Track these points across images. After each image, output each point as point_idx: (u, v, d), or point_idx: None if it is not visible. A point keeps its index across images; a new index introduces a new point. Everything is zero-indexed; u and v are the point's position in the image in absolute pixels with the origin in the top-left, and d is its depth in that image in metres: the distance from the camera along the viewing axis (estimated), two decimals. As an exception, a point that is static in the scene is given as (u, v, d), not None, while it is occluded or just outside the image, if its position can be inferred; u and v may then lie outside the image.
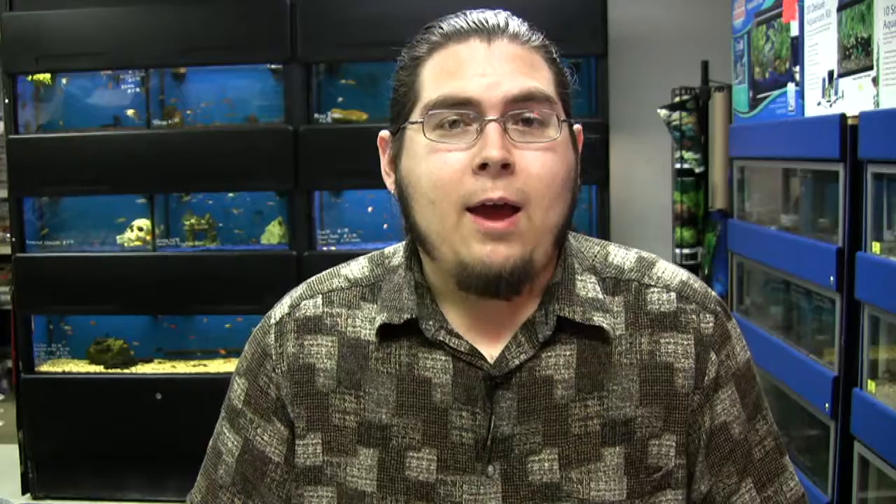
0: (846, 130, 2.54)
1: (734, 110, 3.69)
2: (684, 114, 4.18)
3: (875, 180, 2.44)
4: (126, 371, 4.64)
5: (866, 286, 2.47)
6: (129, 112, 4.70)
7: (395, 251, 1.46)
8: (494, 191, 1.24)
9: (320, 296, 1.45)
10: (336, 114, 4.50)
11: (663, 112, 4.24)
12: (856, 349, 2.55)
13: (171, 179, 4.59)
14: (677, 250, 4.27)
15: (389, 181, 1.40)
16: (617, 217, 4.67)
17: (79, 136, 4.63)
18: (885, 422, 2.33)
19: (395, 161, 1.37)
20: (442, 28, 1.34)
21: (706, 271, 4.17)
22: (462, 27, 1.33)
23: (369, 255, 1.50)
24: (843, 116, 2.55)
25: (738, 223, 3.61)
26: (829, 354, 2.74)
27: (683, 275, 1.44)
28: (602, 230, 4.45)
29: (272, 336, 1.44)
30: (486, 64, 1.29)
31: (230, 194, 4.78)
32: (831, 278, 2.62)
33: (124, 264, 4.61)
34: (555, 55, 1.37)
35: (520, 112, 1.28)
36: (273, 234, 4.66)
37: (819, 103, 2.80)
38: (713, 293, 1.44)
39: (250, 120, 4.69)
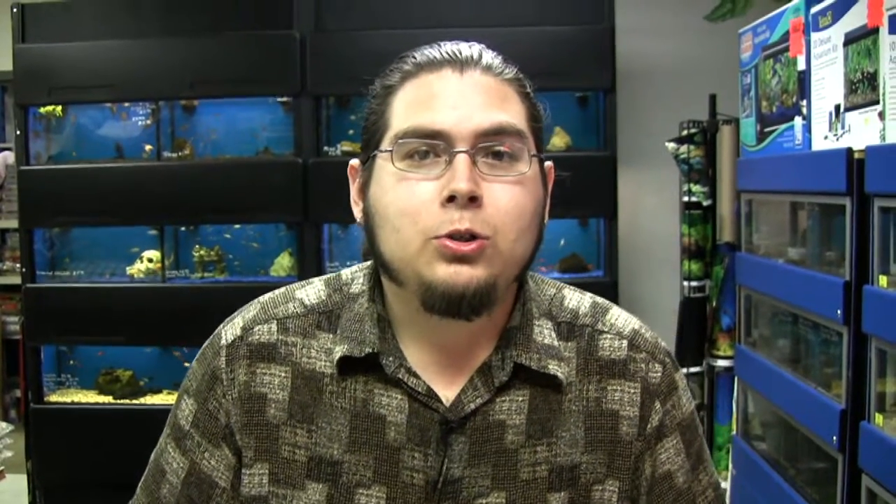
0: (853, 164, 2.54)
1: (742, 143, 3.70)
2: (692, 147, 4.19)
3: (882, 214, 2.45)
4: (135, 401, 4.65)
5: (873, 319, 2.47)
6: (147, 148, 4.72)
7: (354, 277, 1.45)
8: (462, 223, 1.24)
9: (275, 321, 1.42)
10: (345, 146, 4.52)
11: (671, 145, 4.25)
12: (863, 382, 2.54)
13: (180, 211, 4.60)
14: (685, 283, 4.27)
15: (357, 209, 1.40)
16: (624, 249, 4.67)
17: (89, 168, 4.65)
18: (893, 455, 2.33)
19: (363, 189, 1.36)
20: (415, 58, 1.34)
21: (714, 304, 4.17)
22: (435, 57, 1.33)
23: (325, 278, 1.48)
24: (849, 150, 2.56)
25: (746, 256, 3.61)
26: (836, 387, 2.74)
27: (636, 323, 1.45)
28: (610, 262, 4.46)
29: (223, 359, 1.42)
30: (457, 95, 1.29)
31: (236, 226, 4.80)
32: (838, 311, 2.62)
33: (134, 295, 4.63)
34: (528, 89, 1.37)
35: (490, 145, 1.27)
36: (282, 266, 4.68)
37: (826, 137, 2.81)
38: (663, 344, 1.46)
39: (264, 153, 4.70)
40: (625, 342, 1.42)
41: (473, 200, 1.24)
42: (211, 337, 1.48)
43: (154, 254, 4.73)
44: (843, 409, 2.61)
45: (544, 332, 1.39)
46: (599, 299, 1.48)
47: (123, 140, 4.82)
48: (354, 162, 1.42)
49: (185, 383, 1.48)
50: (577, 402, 1.38)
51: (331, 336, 1.40)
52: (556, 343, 1.39)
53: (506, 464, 1.35)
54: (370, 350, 1.35)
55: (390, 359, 1.35)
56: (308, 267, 4.51)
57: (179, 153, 4.68)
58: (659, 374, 1.41)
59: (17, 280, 4.95)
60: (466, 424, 1.34)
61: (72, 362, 4.93)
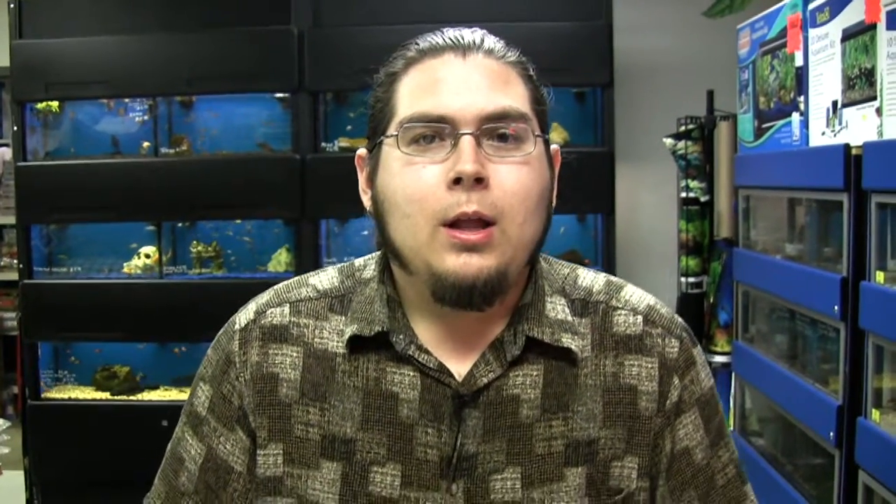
0: (850, 160, 2.55)
1: (739, 139, 3.71)
2: (689, 143, 4.20)
3: (879, 210, 2.45)
4: (132, 398, 4.65)
5: (870, 315, 2.47)
6: (145, 144, 4.72)
7: (366, 264, 1.46)
8: (469, 205, 1.24)
9: (287, 305, 1.44)
10: (343, 142, 4.52)
11: (669, 141, 4.25)
12: (860, 378, 2.55)
13: (178, 207, 4.59)
14: (683, 279, 4.27)
15: (366, 198, 1.40)
16: (622, 245, 4.67)
17: (86, 164, 4.64)
18: (890, 451, 2.33)
19: (371, 178, 1.37)
20: (418, 44, 1.36)
21: (711, 300, 4.18)
22: (438, 43, 1.34)
23: (339, 266, 1.49)
24: (846, 146, 2.56)
25: (744, 252, 3.61)
26: (833, 383, 2.74)
27: (651, 299, 1.45)
28: (607, 258, 4.46)
29: (236, 343, 1.43)
30: (461, 79, 1.30)
31: (237, 221, 4.80)
32: (835, 307, 2.63)
33: (131, 291, 4.62)
34: (531, 72, 1.37)
35: (495, 127, 1.28)
36: (279, 261, 4.68)
37: (823, 133, 2.81)
38: (679, 319, 1.46)
39: (264, 147, 4.70)
40: (640, 318, 1.41)
41: (479, 182, 1.25)
42: (226, 324, 1.48)
43: (151, 250, 4.73)
44: (840, 405, 2.62)
45: (557, 308, 1.39)
46: (614, 278, 1.48)
47: (121, 136, 4.82)
48: (362, 151, 1.42)
49: (200, 371, 1.49)
50: (593, 376, 1.37)
51: (343, 318, 1.41)
52: (569, 318, 1.39)
53: (520, 438, 1.34)
54: (380, 329, 1.35)
55: (400, 336, 1.35)
56: (306, 263, 4.50)
57: (177, 149, 4.67)
58: (676, 350, 1.41)
59: (14, 276, 4.95)
60: (479, 399, 1.34)
61: (72, 359, 4.92)
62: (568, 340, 1.37)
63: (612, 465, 1.36)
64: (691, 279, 4.25)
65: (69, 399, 4.70)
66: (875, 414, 2.47)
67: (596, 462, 1.36)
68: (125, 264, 4.74)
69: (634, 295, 1.45)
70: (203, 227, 4.83)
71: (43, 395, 4.74)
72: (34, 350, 4.74)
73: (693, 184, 4.20)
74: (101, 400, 4.66)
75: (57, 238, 4.87)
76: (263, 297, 1.47)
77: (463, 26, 1.38)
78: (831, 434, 2.64)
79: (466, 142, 1.26)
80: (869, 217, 2.48)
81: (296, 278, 1.49)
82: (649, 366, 1.39)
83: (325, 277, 1.47)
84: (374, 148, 1.36)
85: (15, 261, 5.11)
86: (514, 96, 1.32)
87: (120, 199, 4.55)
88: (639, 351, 1.40)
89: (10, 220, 5.61)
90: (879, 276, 2.44)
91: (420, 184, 1.27)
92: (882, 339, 2.46)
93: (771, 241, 3.49)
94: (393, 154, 1.31)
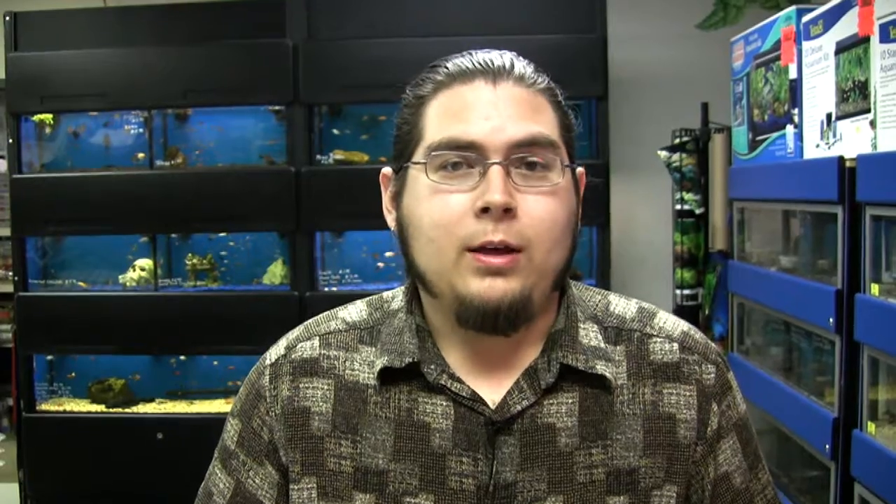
0: (844, 173, 2.55)
1: (734, 152, 3.71)
2: (684, 155, 4.20)
3: (873, 222, 2.45)
4: (127, 410, 4.64)
5: (865, 328, 2.47)
6: (139, 156, 4.72)
7: (395, 295, 1.46)
8: (496, 234, 1.24)
9: (317, 338, 1.44)
10: (338, 155, 4.51)
11: (663, 153, 4.25)
12: (855, 391, 2.55)
13: (173, 219, 4.60)
14: (678, 291, 4.27)
15: (391, 218, 1.40)
16: (617, 258, 4.68)
17: (81, 176, 4.65)
18: (885, 463, 2.33)
19: (396, 199, 1.37)
20: (447, 67, 1.34)
21: (706, 312, 4.17)
22: (468, 67, 1.32)
23: (367, 298, 1.49)
24: (840, 159, 2.56)
25: (738, 264, 3.61)
26: (829, 396, 2.74)
27: (684, 325, 1.44)
28: (602, 271, 4.46)
29: (267, 378, 1.43)
30: (490, 107, 1.29)
31: (229, 235, 4.79)
32: (830, 320, 2.63)
33: (126, 304, 4.62)
34: (560, 98, 1.37)
35: (523, 156, 1.27)
36: (275, 274, 4.67)
37: (818, 146, 2.81)
38: (713, 344, 1.45)
39: (266, 159, 4.70)
40: (675, 345, 1.41)
41: (508, 212, 1.25)
42: (258, 361, 1.49)
43: (146, 262, 4.73)
44: (835, 418, 2.62)
45: (590, 335, 1.39)
46: (645, 304, 1.48)
47: (116, 148, 4.81)
48: (387, 170, 1.42)
49: (231, 407, 1.50)
50: (631, 404, 1.37)
51: (373, 349, 1.40)
52: (602, 345, 1.38)
53: (561, 467, 1.33)
54: (410, 360, 1.35)
55: (432, 366, 1.35)
56: (301, 275, 4.50)
57: (172, 162, 4.67)
58: (713, 375, 1.41)
59: (9, 288, 4.94)
60: (514, 426, 1.33)
61: (71, 375, 4.91)
62: (602, 367, 1.36)
63: (653, 495, 1.36)
64: (686, 291, 4.25)
65: (64, 411, 4.69)
66: (870, 426, 2.47)
67: (637, 491, 1.35)
68: (119, 277, 4.74)
69: (668, 322, 1.44)
70: (198, 240, 4.83)
71: (38, 408, 4.73)
72: (29, 362, 4.73)
73: (688, 196, 4.20)
74: (96, 412, 4.66)
75: (52, 250, 4.87)
76: (294, 333, 1.48)
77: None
78: (827, 446, 2.64)
79: (496, 171, 1.25)
80: (863, 229, 2.49)
81: (325, 313, 1.49)
82: (687, 394, 1.39)
83: (354, 310, 1.47)
84: (401, 170, 1.36)
85: (10, 273, 5.10)
86: (544, 123, 1.31)
87: (115, 211, 4.55)
88: (676, 379, 1.39)
89: (6, 231, 5.60)
90: (874, 289, 2.44)
91: (447, 211, 1.27)
92: (877, 351, 2.46)
93: (766, 253, 3.49)
94: (420, 180, 1.30)
